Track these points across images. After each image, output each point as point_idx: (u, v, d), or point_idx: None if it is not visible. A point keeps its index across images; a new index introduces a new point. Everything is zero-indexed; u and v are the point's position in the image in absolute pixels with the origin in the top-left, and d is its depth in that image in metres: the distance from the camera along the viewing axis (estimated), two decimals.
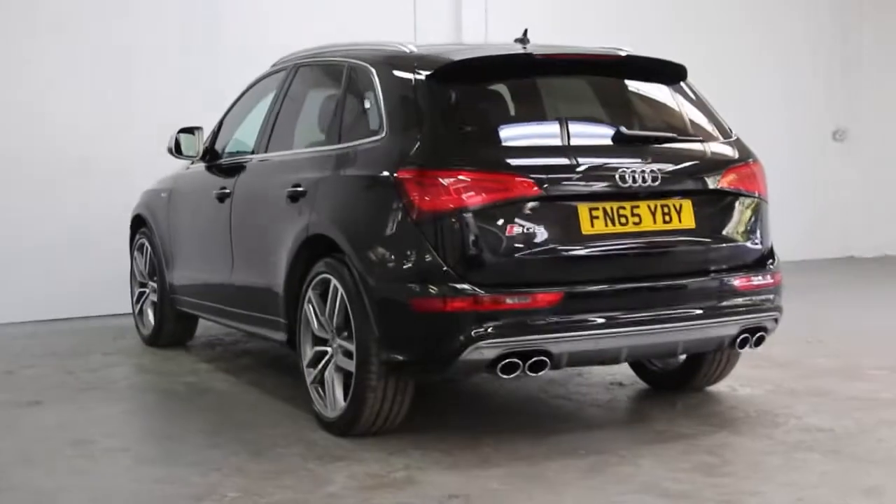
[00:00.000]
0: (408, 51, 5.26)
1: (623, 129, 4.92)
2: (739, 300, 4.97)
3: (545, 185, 4.65)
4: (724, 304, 4.93)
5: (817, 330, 7.58)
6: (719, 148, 5.15)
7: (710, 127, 5.23)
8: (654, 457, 4.67)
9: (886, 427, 5.09)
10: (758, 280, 5.03)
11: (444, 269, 4.55)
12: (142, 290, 7.70)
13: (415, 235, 4.62)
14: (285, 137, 5.99)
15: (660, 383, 5.90)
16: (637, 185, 4.76)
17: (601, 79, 5.21)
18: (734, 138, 5.27)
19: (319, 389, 5.21)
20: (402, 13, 10.05)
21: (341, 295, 4.93)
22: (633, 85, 5.25)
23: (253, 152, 6.17)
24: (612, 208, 4.74)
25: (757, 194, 5.15)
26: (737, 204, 5.07)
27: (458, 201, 4.56)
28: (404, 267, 4.65)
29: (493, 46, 5.31)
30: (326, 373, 5.11)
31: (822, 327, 7.76)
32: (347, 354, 4.94)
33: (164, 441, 5.13)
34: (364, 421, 4.92)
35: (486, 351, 4.53)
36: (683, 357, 5.60)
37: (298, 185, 5.33)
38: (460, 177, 4.59)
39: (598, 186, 4.75)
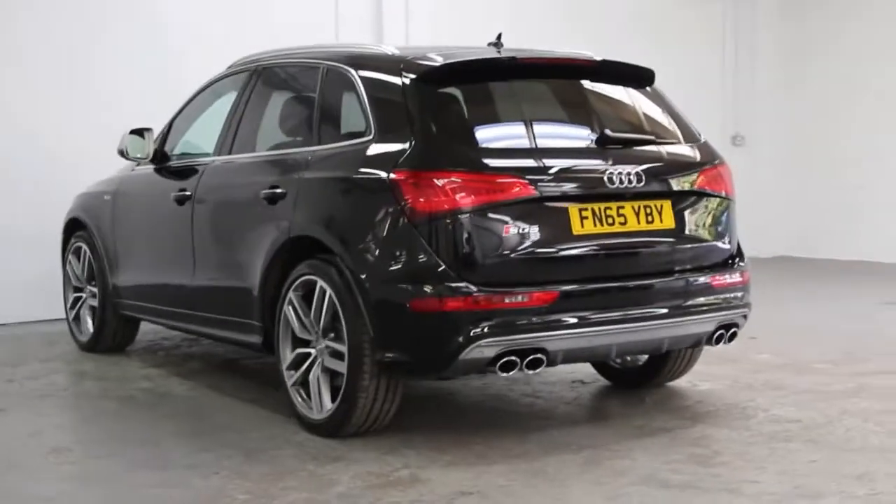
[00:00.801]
0: (389, 53, 5.30)
1: (607, 132, 5.04)
2: (716, 297, 5.15)
3: (538, 186, 4.75)
4: (704, 301, 5.10)
5: (750, 327, 7.81)
6: (692, 150, 5.32)
7: (681, 130, 5.39)
8: (643, 450, 4.80)
9: (850, 417, 5.31)
10: (732, 278, 5.22)
11: (442, 269, 4.60)
12: (77, 294, 7.53)
13: (411, 236, 4.66)
14: (252, 139, 5.95)
15: (621, 380, 6.04)
16: (623, 186, 4.89)
17: (579, 82, 5.31)
18: (703, 141, 5.45)
19: (302, 392, 5.20)
20: (323, 19, 10.05)
21: (329, 296, 4.93)
22: (609, 89, 5.38)
23: (215, 154, 6.09)
24: (599, 209, 4.86)
25: (726, 195, 5.34)
26: (710, 204, 5.25)
27: (454, 202, 4.62)
28: (401, 268, 4.68)
29: (470, 50, 5.36)
30: (311, 374, 5.10)
31: (753, 324, 7.99)
32: (336, 355, 4.95)
33: (146, 446, 5.04)
34: (354, 421, 4.93)
35: (485, 350, 4.60)
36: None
37: (276, 187, 5.31)
38: (456, 178, 4.65)
39: (587, 187, 4.86)
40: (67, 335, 7.65)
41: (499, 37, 5.51)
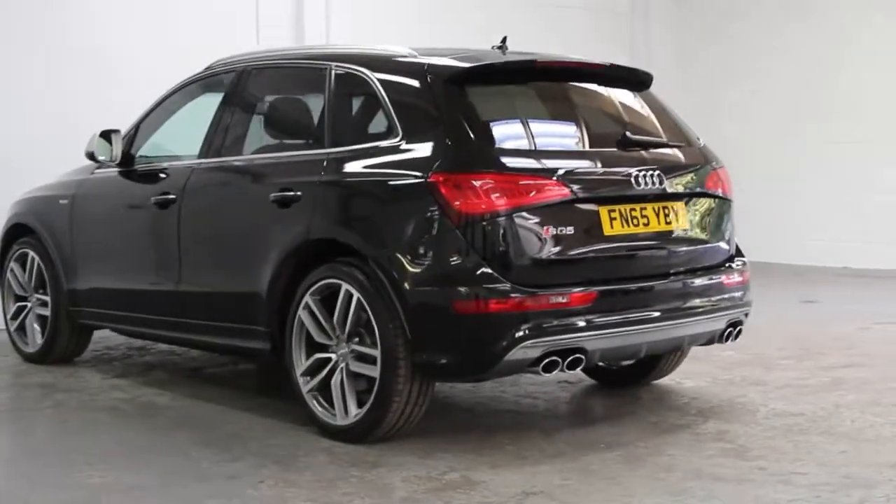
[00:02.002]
0: (406, 55, 5.28)
1: (629, 134, 5.14)
2: (727, 296, 5.30)
3: (572, 188, 4.81)
4: (718, 299, 5.25)
5: None
6: (697, 153, 5.46)
7: (685, 133, 5.53)
8: (673, 446, 4.90)
9: (847, 409, 5.53)
10: (738, 277, 5.39)
11: (486, 270, 4.61)
12: (22, 304, 7.21)
13: (453, 238, 4.66)
14: (246, 141, 5.83)
15: (606, 379, 6.14)
16: (647, 187, 5.00)
17: (594, 86, 5.41)
18: (703, 144, 5.60)
19: (320, 397, 5.12)
20: (244, 18, 9.90)
21: (357, 299, 4.88)
22: (618, 92, 5.48)
23: (201, 156, 5.92)
24: (626, 210, 4.96)
25: (727, 196, 5.50)
26: (715, 205, 5.41)
27: (495, 204, 4.64)
28: (443, 269, 4.67)
29: (476, 52, 5.38)
30: (333, 379, 5.03)
31: None
32: (362, 359, 4.90)
33: (171, 456, 4.87)
34: (385, 426, 4.89)
35: (529, 350, 4.63)
36: None
37: (288, 190, 5.22)
38: (496, 180, 4.67)
39: (617, 189, 4.96)
40: (5, 346, 7.30)
41: (503, 40, 5.54)
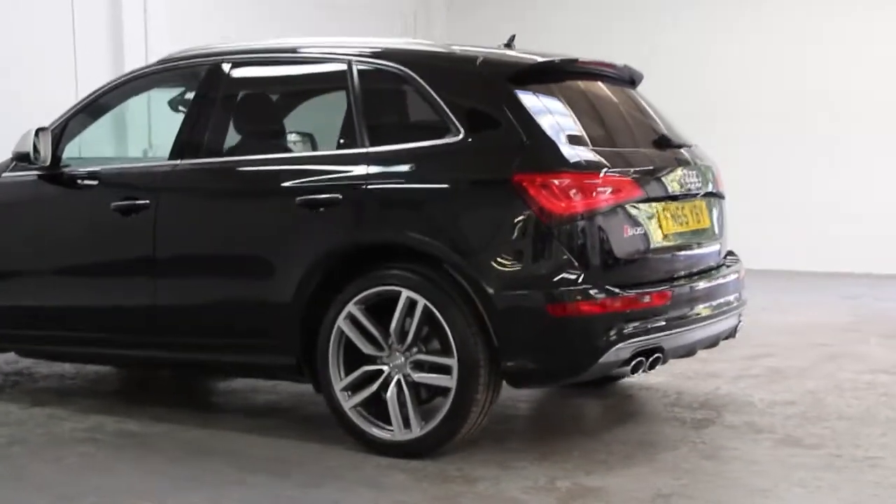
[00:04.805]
0: (450, 51, 5.10)
1: (667, 135, 5.19)
2: (741, 291, 5.46)
3: (644, 187, 4.81)
4: (738, 294, 5.39)
5: None
6: (700, 153, 5.59)
7: (686, 133, 5.65)
8: (732, 439, 5.01)
9: (828, 395, 5.85)
10: (743, 273, 5.57)
11: (580, 271, 4.51)
12: None
13: (545, 239, 4.53)
14: (242, 141, 5.40)
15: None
16: (689, 187, 5.09)
17: (621, 87, 5.42)
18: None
19: (364, 412, 4.82)
20: (58, 17, 9.20)
21: (423, 307, 4.63)
22: (632, 93, 5.51)
23: (176, 157, 5.39)
24: (674, 209, 5.01)
25: (724, 196, 5.67)
26: (721, 204, 5.56)
27: (584, 203, 4.55)
28: (535, 272, 4.52)
29: (498, 51, 5.24)
30: (389, 392, 4.74)
31: None
32: (419, 368, 4.69)
33: (228, 486, 4.41)
34: (459, 437, 4.69)
35: (621, 351, 4.58)
36: None
37: (321, 192, 4.87)
38: (581, 179, 4.58)
39: (671, 188, 5.00)
40: None
41: (512, 38, 5.45)
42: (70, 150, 5.88)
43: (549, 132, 4.68)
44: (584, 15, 12.73)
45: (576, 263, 4.51)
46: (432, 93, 4.83)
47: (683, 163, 5.17)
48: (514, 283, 4.53)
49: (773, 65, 11.82)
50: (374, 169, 4.84)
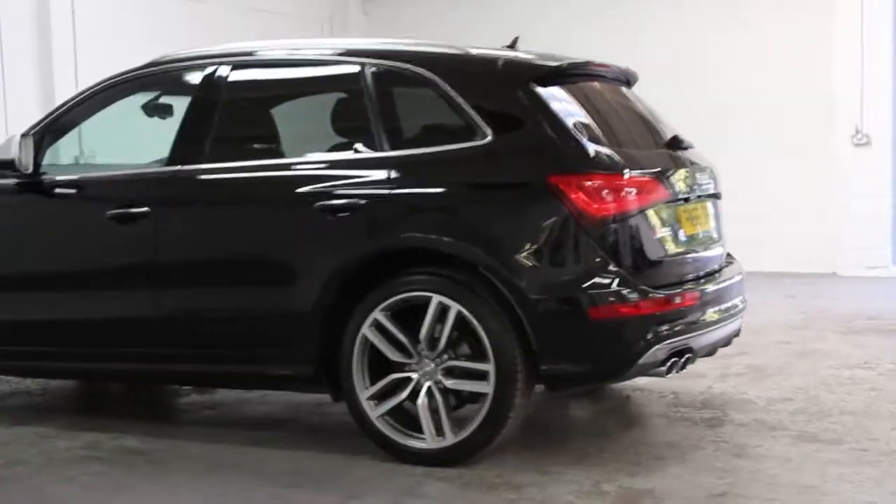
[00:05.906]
0: (468, 53, 5.02)
1: (678, 136, 5.21)
2: (744, 294, 5.51)
3: (669, 188, 4.82)
4: (743, 297, 5.44)
5: None
6: (700, 154, 5.63)
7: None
8: (753, 438, 5.03)
9: (819, 391, 5.94)
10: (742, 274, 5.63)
11: (619, 273, 4.49)
12: None
13: (583, 241, 4.49)
14: (251, 146, 5.27)
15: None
16: (702, 189, 5.13)
17: (626, 88, 5.43)
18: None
19: (391, 421, 4.72)
20: None
21: (456, 312, 4.56)
22: (636, 95, 5.53)
23: (175, 163, 5.19)
24: (690, 210, 5.04)
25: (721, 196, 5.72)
26: (718, 205, 5.60)
27: (620, 205, 4.53)
28: (575, 274, 4.49)
29: (508, 52, 5.18)
30: (420, 400, 4.65)
31: None
32: (449, 373, 4.61)
33: (269, 501, 4.28)
34: (495, 443, 4.62)
35: (659, 352, 4.58)
36: None
37: (340, 197, 4.75)
38: (615, 180, 4.56)
39: (689, 189, 5.03)
40: None
41: (515, 40, 5.41)
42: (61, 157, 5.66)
43: (578, 134, 4.65)
44: (507, 12, 12.75)
45: (612, 265, 4.49)
46: (456, 96, 4.75)
47: (693, 164, 5.20)
48: (554, 285, 4.49)
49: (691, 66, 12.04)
50: (399, 172, 4.74)
